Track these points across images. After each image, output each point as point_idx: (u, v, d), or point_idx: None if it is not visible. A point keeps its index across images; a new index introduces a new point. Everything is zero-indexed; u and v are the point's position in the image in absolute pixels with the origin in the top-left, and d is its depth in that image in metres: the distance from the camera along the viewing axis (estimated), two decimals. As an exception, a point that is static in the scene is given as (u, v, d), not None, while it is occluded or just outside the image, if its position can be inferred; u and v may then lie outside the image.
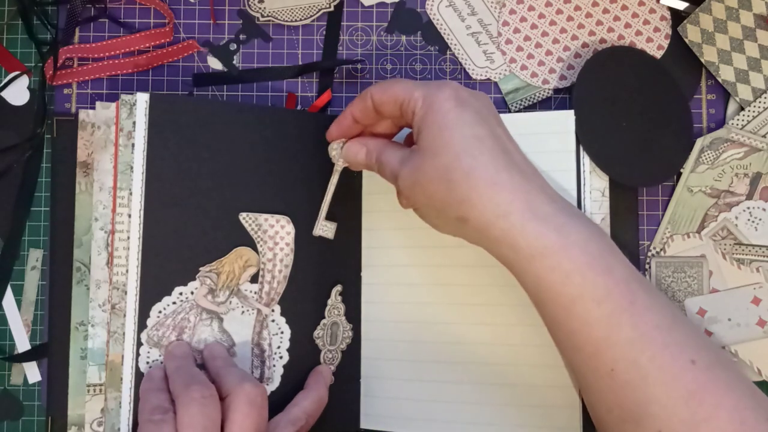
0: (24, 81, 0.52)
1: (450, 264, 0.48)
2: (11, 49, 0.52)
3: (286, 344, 0.46)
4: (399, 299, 0.49)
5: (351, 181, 0.49)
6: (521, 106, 0.52)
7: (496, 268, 0.41)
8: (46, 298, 0.50)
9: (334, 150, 0.47)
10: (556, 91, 0.52)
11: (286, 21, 0.53)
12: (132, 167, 0.43)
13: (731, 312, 0.48)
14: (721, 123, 0.51)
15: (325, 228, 0.48)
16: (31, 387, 0.50)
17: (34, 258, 0.51)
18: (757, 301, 0.48)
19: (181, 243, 0.44)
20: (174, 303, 0.43)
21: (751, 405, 0.36)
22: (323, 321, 0.48)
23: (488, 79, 0.52)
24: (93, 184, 0.46)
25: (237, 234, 0.45)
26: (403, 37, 0.53)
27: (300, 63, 0.53)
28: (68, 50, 0.52)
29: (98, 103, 0.47)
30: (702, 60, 0.50)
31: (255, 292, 0.46)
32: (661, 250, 0.50)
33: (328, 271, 0.48)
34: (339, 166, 0.47)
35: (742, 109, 0.50)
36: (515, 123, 0.45)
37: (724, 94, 0.51)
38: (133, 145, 0.43)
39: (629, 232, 0.50)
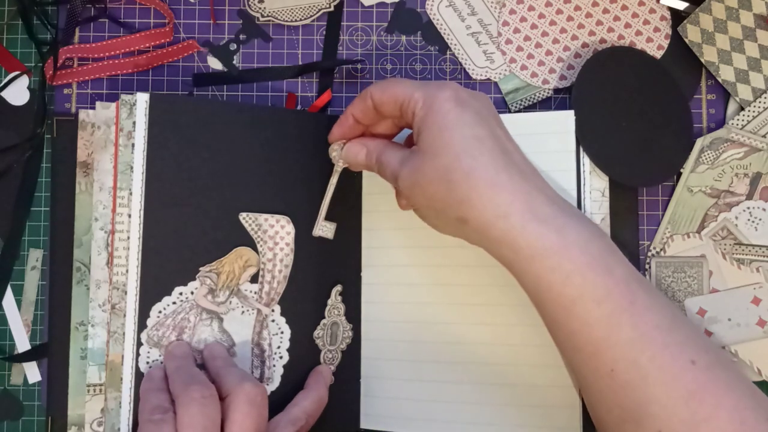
0: (24, 81, 0.52)
1: (450, 264, 0.48)
2: (11, 49, 0.52)
3: (286, 344, 0.46)
4: (399, 299, 0.49)
5: (351, 181, 0.49)
6: (521, 106, 0.52)
7: (496, 268, 0.41)
8: (46, 298, 0.50)
9: (335, 151, 0.47)
10: (556, 91, 0.52)
11: (286, 21, 0.53)
12: (132, 167, 0.43)
13: (731, 312, 0.48)
14: (721, 123, 0.51)
15: (324, 228, 0.48)
16: (31, 387, 0.50)
17: (34, 258, 0.51)
18: (757, 301, 0.48)
19: (181, 243, 0.44)
20: (174, 303, 0.43)
21: (751, 405, 0.36)
22: (323, 321, 0.48)
23: (488, 79, 0.52)
24: (93, 184, 0.46)
25: (237, 234, 0.45)
26: (403, 37, 0.53)
27: (300, 63, 0.53)
28: (68, 50, 0.52)
29: (98, 103, 0.47)
30: (702, 60, 0.50)
31: (255, 292, 0.46)
32: (661, 250, 0.50)
33: (328, 271, 0.48)
34: (339, 166, 0.47)
35: (742, 109, 0.50)
36: (515, 123, 0.45)
37: (724, 94, 0.51)
38: (133, 145, 0.43)
39: (629, 232, 0.50)
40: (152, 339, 0.43)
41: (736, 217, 0.49)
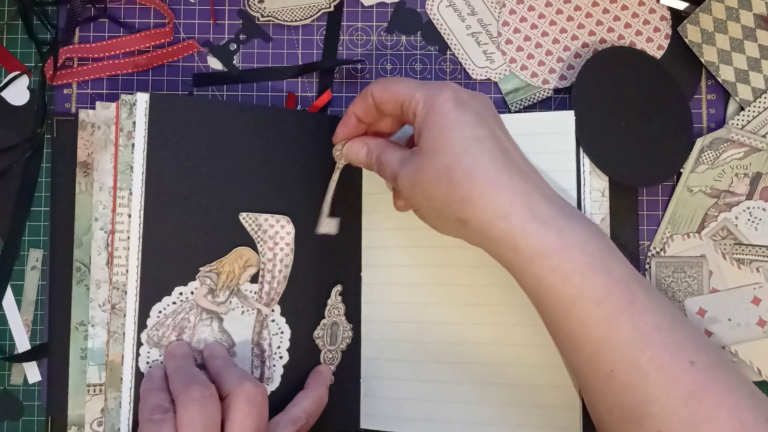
0: (24, 81, 0.52)
1: (450, 264, 0.48)
2: (11, 49, 0.52)
3: (286, 344, 0.46)
4: (399, 299, 0.49)
5: (351, 180, 0.49)
6: (521, 106, 0.52)
7: (496, 268, 0.41)
8: (46, 298, 0.50)
9: (338, 150, 0.47)
10: (556, 91, 0.52)
11: (286, 21, 0.53)
12: (132, 167, 0.43)
13: (731, 312, 0.48)
14: (721, 123, 0.51)
15: (329, 224, 0.48)
16: (31, 387, 0.50)
17: (34, 258, 0.51)
18: (757, 301, 0.48)
19: (181, 243, 0.44)
20: (174, 303, 0.43)
21: (750, 405, 0.36)
22: (323, 321, 0.48)
23: (488, 79, 0.52)
24: (93, 184, 0.46)
25: (237, 234, 0.45)
26: (403, 37, 0.53)
27: (300, 63, 0.53)
28: (68, 50, 0.52)
29: (98, 103, 0.47)
30: (702, 60, 0.50)
31: (255, 292, 0.46)
32: (661, 250, 0.50)
33: (328, 271, 0.48)
34: (341, 163, 0.48)
35: (742, 109, 0.50)
36: (515, 123, 0.45)
37: (724, 94, 0.51)
38: (133, 145, 0.43)
39: (629, 232, 0.50)
40: (152, 339, 0.43)
41: (736, 217, 0.49)
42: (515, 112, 0.52)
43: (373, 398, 0.49)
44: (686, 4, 0.51)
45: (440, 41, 0.53)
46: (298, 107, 0.52)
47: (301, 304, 0.47)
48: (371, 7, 0.53)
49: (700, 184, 0.49)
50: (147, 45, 0.52)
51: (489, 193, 0.39)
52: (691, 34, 0.50)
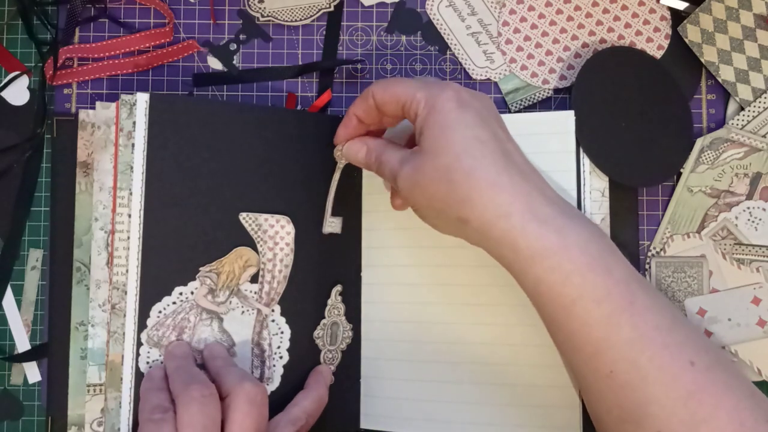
0: (24, 81, 0.52)
1: (450, 264, 0.48)
2: (11, 49, 0.52)
3: (286, 344, 0.46)
4: (399, 299, 0.49)
5: (351, 180, 0.49)
6: (521, 106, 0.52)
7: (496, 268, 0.41)
8: (46, 298, 0.50)
9: (339, 150, 0.47)
10: (556, 91, 0.52)
11: (286, 21, 0.53)
12: (132, 167, 0.43)
13: (731, 312, 0.48)
14: (721, 123, 0.51)
15: (333, 224, 0.48)
16: (31, 387, 0.50)
17: (34, 258, 0.51)
18: (757, 301, 0.48)
19: (181, 243, 0.44)
20: (174, 303, 0.43)
21: (750, 406, 0.36)
22: (323, 321, 0.48)
23: (488, 79, 0.52)
24: (93, 184, 0.46)
25: (237, 234, 0.45)
26: (403, 37, 0.53)
27: (300, 63, 0.53)
28: (68, 50, 0.52)
29: (98, 103, 0.47)
30: (702, 60, 0.50)
31: (255, 292, 0.46)
32: (661, 250, 0.50)
33: (328, 271, 0.48)
34: (342, 163, 0.48)
35: (742, 109, 0.50)
36: (515, 123, 0.45)
37: (724, 94, 0.51)
38: (133, 145, 0.43)
39: (629, 232, 0.50)
40: (152, 339, 0.43)
41: (736, 217, 0.49)
42: (515, 112, 0.52)
43: (373, 398, 0.49)
44: (686, 4, 0.51)
45: (440, 41, 0.53)
46: (298, 107, 0.52)
47: (301, 304, 0.47)
48: (371, 7, 0.53)
49: (700, 184, 0.49)
50: (147, 45, 0.52)
51: (489, 193, 0.39)
52: (691, 34, 0.50)
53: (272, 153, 0.46)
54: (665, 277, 0.49)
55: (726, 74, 0.50)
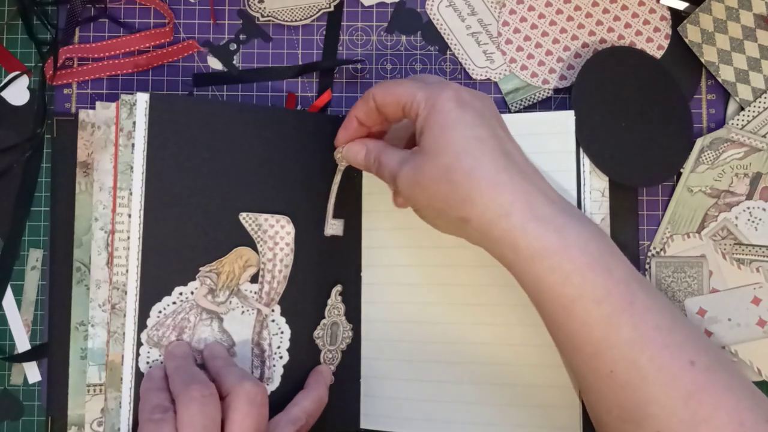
0: (24, 81, 0.52)
1: (450, 264, 0.48)
2: (11, 49, 0.52)
3: (286, 344, 0.46)
4: (399, 299, 0.49)
5: (351, 181, 0.49)
6: (521, 106, 0.52)
7: (496, 268, 0.41)
8: (46, 298, 0.50)
9: (339, 153, 0.47)
10: (556, 91, 0.52)
11: (286, 21, 0.53)
12: (132, 167, 0.43)
13: (731, 312, 0.48)
14: (721, 123, 0.51)
15: (334, 226, 0.48)
16: (31, 387, 0.50)
17: (34, 258, 0.51)
18: (757, 301, 0.48)
19: (181, 243, 0.44)
20: (174, 303, 0.43)
21: (750, 406, 0.36)
22: (323, 321, 0.48)
23: (488, 79, 0.52)
24: (93, 184, 0.46)
25: (237, 234, 0.45)
26: (403, 37, 0.53)
27: (300, 63, 0.53)
28: (68, 50, 0.52)
29: (98, 103, 0.47)
30: (702, 60, 0.50)
31: (255, 292, 0.46)
32: (661, 250, 0.50)
33: (328, 271, 0.48)
34: (342, 165, 0.48)
35: (742, 109, 0.50)
36: (515, 123, 0.45)
37: (724, 94, 0.51)
38: (133, 145, 0.43)
39: (629, 232, 0.50)
40: (152, 339, 0.43)
41: (736, 217, 0.49)
42: (515, 112, 0.52)
43: (373, 398, 0.49)
44: (686, 4, 0.51)
45: (440, 41, 0.53)
46: (298, 107, 0.52)
47: (301, 304, 0.47)
48: (371, 7, 0.53)
49: (700, 184, 0.49)
50: (147, 45, 0.52)
51: (490, 192, 0.39)
52: (691, 34, 0.50)
53: (272, 153, 0.46)
54: (665, 277, 0.49)
55: (726, 74, 0.50)
